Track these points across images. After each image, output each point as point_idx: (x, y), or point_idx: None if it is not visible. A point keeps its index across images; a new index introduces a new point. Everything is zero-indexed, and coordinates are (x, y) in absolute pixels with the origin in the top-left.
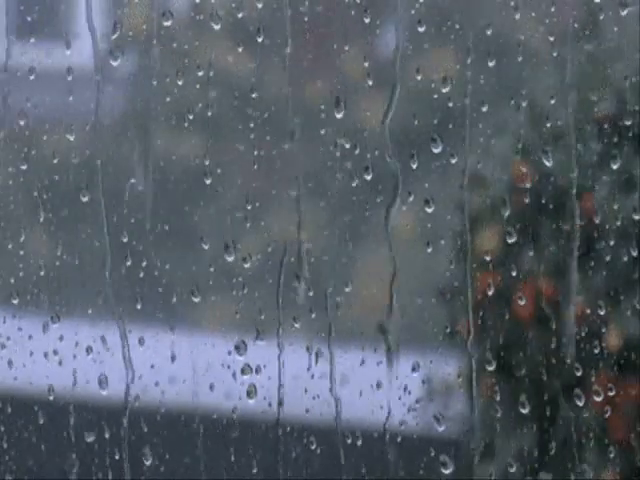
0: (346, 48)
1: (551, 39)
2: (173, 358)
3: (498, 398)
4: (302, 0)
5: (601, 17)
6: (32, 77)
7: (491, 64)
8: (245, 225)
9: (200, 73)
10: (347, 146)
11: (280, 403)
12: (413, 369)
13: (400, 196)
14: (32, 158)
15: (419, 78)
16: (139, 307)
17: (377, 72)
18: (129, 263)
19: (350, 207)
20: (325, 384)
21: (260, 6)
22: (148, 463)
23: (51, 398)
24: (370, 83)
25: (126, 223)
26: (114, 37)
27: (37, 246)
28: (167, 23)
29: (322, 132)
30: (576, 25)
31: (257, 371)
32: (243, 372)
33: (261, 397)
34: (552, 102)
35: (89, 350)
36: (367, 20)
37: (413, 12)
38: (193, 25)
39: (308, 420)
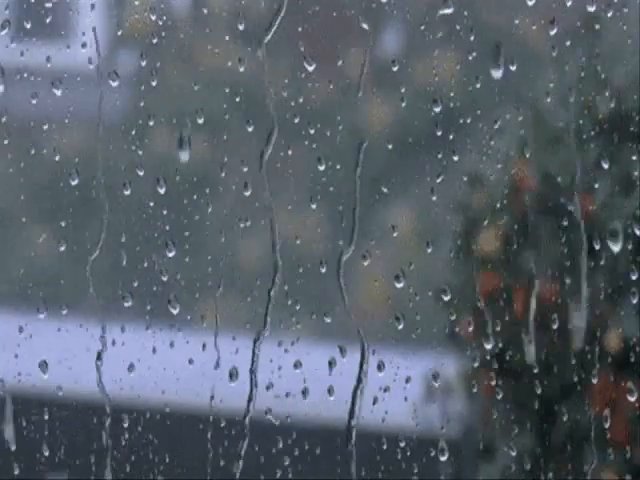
0: (347, 49)
1: (551, 39)
2: (172, 357)
3: (498, 398)
4: (303, 2)
5: (601, 17)
6: (32, 77)
7: (491, 65)
8: (245, 225)
9: (200, 73)
10: (348, 146)
11: (280, 404)
12: (412, 369)
13: (400, 196)
14: (32, 158)
15: (419, 79)
16: (138, 307)
17: (378, 73)
18: (129, 262)
19: (350, 207)
20: (324, 384)
21: (261, 6)
22: (149, 463)
23: (50, 397)
24: (371, 84)
25: (126, 222)
26: (115, 37)
27: (37, 245)
28: (168, 23)
29: (322, 133)
30: (576, 25)
31: (256, 371)
32: (240, 373)
33: (260, 397)
34: (552, 102)
35: (88, 349)
36: (368, 21)
37: (414, 13)
38: (194, 25)
39: (308, 420)
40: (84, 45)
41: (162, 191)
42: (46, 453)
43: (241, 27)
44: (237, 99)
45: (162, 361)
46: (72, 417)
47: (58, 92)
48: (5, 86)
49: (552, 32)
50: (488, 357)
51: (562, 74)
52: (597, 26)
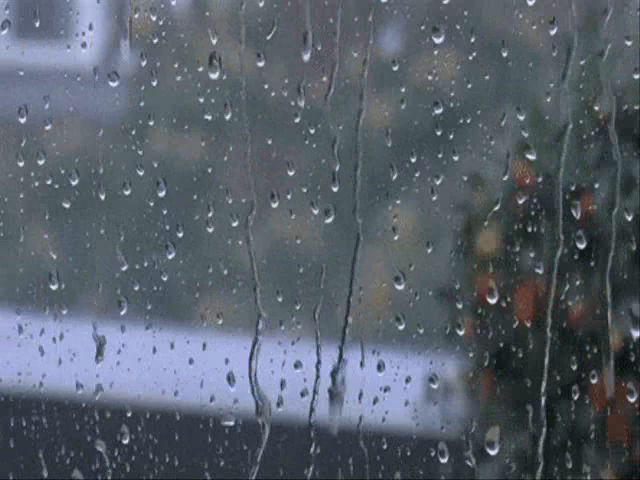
0: (347, 48)
1: (551, 39)
2: (172, 357)
3: (498, 398)
4: (303, 1)
5: (601, 17)
6: (32, 77)
7: (491, 64)
8: (245, 224)
9: (200, 73)
10: (347, 146)
11: (280, 403)
12: (412, 369)
13: (400, 196)
14: (32, 157)
15: (419, 78)
16: (138, 307)
17: (378, 72)
18: (129, 263)
19: (350, 207)
20: (325, 384)
21: (261, 6)
22: (149, 463)
23: (50, 398)
24: (371, 83)
25: (126, 222)
26: (115, 37)
27: (37, 245)
28: (168, 23)
29: (323, 132)
30: (576, 25)
31: (256, 372)
32: (240, 373)
33: (261, 397)
34: (552, 102)
35: (88, 349)
36: (368, 21)
37: (414, 12)
38: (194, 25)
39: (308, 420)
40: (84, 45)
41: (162, 191)
42: (46, 453)
43: (241, 27)
44: (237, 99)
45: (162, 361)
46: (72, 417)
47: (58, 92)
48: (5, 86)
49: (552, 32)
50: (488, 357)
51: (562, 74)
52: (597, 26)
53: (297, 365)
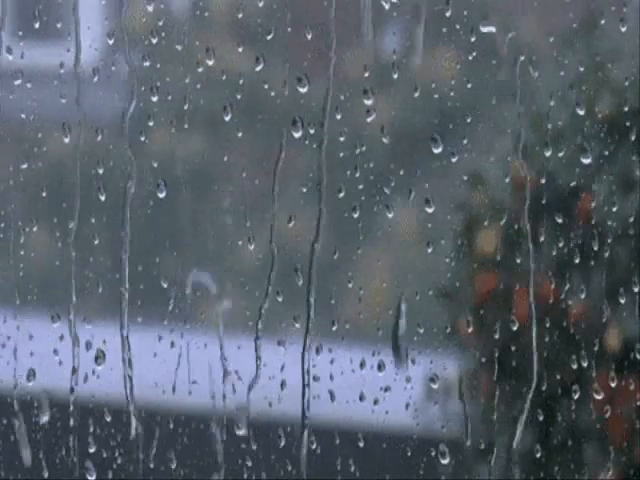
0: (346, 48)
1: (551, 39)
2: (173, 357)
3: (498, 398)
4: (304, 1)
5: (601, 17)
6: (31, 78)
7: (491, 64)
8: (245, 224)
9: (199, 73)
10: (347, 146)
11: (280, 403)
12: (412, 369)
13: (400, 196)
14: (32, 158)
15: (419, 78)
16: (138, 307)
17: (378, 72)
18: (128, 262)
19: (350, 207)
20: (325, 384)
21: (261, 6)
22: (149, 463)
23: (49, 398)
24: (371, 83)
25: (126, 222)
26: (114, 37)
27: (37, 245)
28: (168, 22)
29: (322, 132)
30: (576, 25)
31: (256, 371)
32: (242, 372)
33: (261, 397)
34: (552, 102)
35: (88, 350)
36: (368, 20)
37: (413, 12)
38: (194, 25)
39: (308, 420)
40: (82, 46)
41: (162, 191)
42: (45, 454)
43: (241, 27)
44: (237, 99)
45: (162, 361)
46: (72, 418)
47: (57, 92)
48: (5, 87)
49: (552, 32)
50: (488, 357)
51: (562, 74)
52: (597, 26)
53: (294, 364)
